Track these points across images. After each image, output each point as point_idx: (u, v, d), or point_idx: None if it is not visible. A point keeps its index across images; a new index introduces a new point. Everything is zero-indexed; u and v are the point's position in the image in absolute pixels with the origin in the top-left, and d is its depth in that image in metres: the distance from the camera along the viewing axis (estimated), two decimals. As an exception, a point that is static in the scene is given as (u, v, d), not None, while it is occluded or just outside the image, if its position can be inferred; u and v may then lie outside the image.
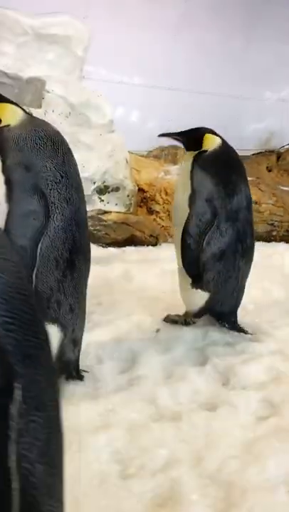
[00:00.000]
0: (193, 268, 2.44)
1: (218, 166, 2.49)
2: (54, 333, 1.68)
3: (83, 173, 4.80)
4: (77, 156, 4.67)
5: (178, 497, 1.41)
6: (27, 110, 1.98)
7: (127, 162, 5.17)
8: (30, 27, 4.86)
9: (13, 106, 1.87)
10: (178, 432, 1.71)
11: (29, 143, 1.72)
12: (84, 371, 1.98)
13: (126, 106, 6.58)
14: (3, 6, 4.73)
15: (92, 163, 4.84)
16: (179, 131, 2.68)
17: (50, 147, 1.75)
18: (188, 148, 2.59)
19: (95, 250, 4.47)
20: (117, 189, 5.11)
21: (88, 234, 1.88)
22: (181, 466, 1.53)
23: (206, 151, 2.49)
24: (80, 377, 1.94)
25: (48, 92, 4.72)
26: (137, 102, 6.73)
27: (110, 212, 4.93)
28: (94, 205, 5.03)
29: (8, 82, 4.87)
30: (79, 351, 1.91)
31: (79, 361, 1.94)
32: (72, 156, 1.86)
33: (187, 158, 2.55)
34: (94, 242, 4.71)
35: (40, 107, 4.65)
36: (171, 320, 2.61)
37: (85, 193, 4.79)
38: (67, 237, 1.69)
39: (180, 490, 1.43)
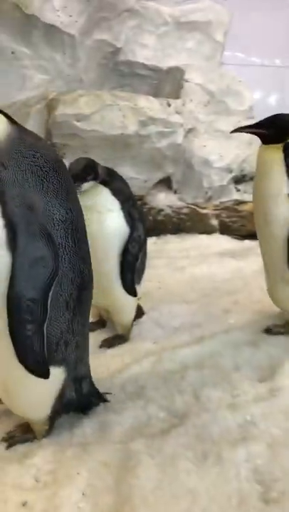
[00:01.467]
0: None
1: None
2: (58, 375, 1.54)
3: (219, 163, 4.73)
4: (215, 144, 4.59)
5: None
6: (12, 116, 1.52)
7: (266, 150, 4.89)
8: (171, 16, 4.82)
9: None
10: None
11: (30, 176, 1.40)
12: (107, 393, 1.83)
13: (266, 90, 6.24)
14: (145, -2, 4.76)
15: (230, 152, 4.67)
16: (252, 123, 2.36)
17: (53, 178, 1.45)
18: (270, 140, 2.20)
19: (230, 243, 4.35)
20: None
21: (90, 264, 1.65)
22: None
23: None
24: (103, 400, 1.81)
25: (187, 81, 4.64)
26: (278, 86, 6.34)
27: (246, 202, 4.71)
28: (230, 195, 4.87)
29: (147, 74, 4.92)
30: (88, 384, 1.74)
31: (94, 392, 1.78)
32: (71, 180, 1.60)
33: (271, 153, 2.19)
34: (229, 234, 4.58)
35: (178, 97, 4.60)
36: (275, 332, 2.34)
37: (221, 183, 4.72)
38: (75, 276, 1.51)
39: None
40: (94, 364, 2.11)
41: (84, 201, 2.20)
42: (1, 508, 1.34)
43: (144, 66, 4.82)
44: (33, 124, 4.01)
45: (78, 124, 3.90)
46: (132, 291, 2.31)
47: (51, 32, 4.13)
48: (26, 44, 4.13)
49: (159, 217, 4.46)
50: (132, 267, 2.27)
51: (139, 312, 2.55)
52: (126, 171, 4.37)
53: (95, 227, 2.19)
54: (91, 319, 2.53)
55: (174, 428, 1.66)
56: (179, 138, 4.34)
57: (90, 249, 2.19)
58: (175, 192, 4.69)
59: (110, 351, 2.28)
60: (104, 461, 1.49)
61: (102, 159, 4.22)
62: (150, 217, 4.44)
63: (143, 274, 2.46)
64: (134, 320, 2.47)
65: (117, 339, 2.37)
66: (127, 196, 2.32)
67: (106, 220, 2.21)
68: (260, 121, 2.25)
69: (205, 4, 4.95)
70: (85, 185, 2.17)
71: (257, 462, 1.49)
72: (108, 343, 2.34)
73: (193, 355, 2.14)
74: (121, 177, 2.37)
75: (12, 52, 4.11)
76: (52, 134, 3.99)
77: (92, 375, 1.76)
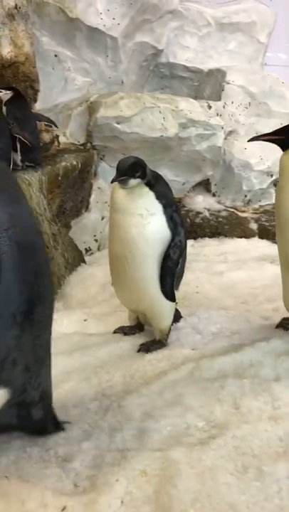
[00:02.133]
0: None
1: None
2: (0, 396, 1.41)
3: (260, 166, 4.65)
4: (255, 147, 4.51)
5: None
6: None
7: (309, 153, 4.78)
8: (213, 18, 4.78)
9: None
10: None
11: None
12: (66, 422, 1.71)
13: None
14: (187, 0, 4.73)
15: (270, 155, 4.58)
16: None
17: None
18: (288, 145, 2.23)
19: (269, 247, 4.25)
20: (296, 182, 4.76)
21: (50, 279, 1.53)
22: None
23: None
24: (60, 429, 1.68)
25: (228, 83, 4.58)
26: None
27: (287, 207, 4.62)
28: (270, 199, 4.78)
29: (187, 76, 4.89)
30: (42, 411, 1.60)
31: (49, 416, 1.65)
32: (16, 184, 1.51)
33: None
34: (268, 239, 4.50)
35: (219, 99, 4.55)
36: None
37: (261, 186, 4.64)
38: (25, 288, 1.39)
39: None
40: (131, 369, 2.12)
41: (127, 203, 2.21)
42: (41, 511, 1.35)
43: (185, 68, 4.79)
44: (75, 126, 4.05)
45: (119, 126, 3.91)
46: (171, 297, 2.29)
47: (94, 35, 4.16)
48: (69, 47, 4.17)
49: (197, 220, 4.42)
50: (172, 272, 2.25)
51: (177, 316, 2.54)
52: (165, 173, 4.32)
53: (136, 231, 2.19)
54: (129, 323, 2.54)
55: (213, 439, 1.63)
56: (219, 140, 4.30)
57: (128, 252, 2.16)
58: (214, 195, 4.65)
59: (148, 356, 2.27)
60: (143, 469, 1.48)
61: (142, 162, 4.26)
62: (188, 220, 4.41)
63: (181, 279, 2.44)
64: (172, 324, 2.46)
65: (155, 344, 2.36)
66: (170, 201, 2.30)
67: (148, 224, 2.19)
68: (276, 130, 2.31)
69: (249, 5, 4.88)
70: (132, 182, 2.17)
71: (300, 479, 1.45)
72: (146, 348, 2.33)
73: (233, 364, 2.11)
74: (166, 182, 2.36)
75: (55, 55, 4.16)
76: (92, 136, 4.02)
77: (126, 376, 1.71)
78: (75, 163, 3.69)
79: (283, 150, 2.26)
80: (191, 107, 4.22)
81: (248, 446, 1.59)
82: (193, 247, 4.13)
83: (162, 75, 4.81)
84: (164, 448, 1.58)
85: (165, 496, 1.38)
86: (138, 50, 4.49)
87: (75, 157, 3.73)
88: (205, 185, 4.63)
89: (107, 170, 4.03)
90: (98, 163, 4.08)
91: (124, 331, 2.53)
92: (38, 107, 3.82)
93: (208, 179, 4.58)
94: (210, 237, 4.30)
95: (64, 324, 2.69)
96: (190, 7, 4.73)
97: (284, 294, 2.40)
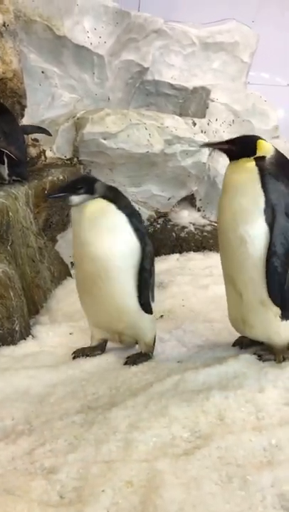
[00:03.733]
0: (283, 295, 2.06)
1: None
2: None
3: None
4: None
5: None
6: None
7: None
8: (197, 37, 4.90)
9: None
10: None
11: None
12: None
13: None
14: (172, 20, 4.84)
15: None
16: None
17: None
18: (238, 155, 2.14)
19: None
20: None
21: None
22: None
23: (265, 157, 2.09)
24: None
25: (213, 100, 4.69)
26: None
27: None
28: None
29: (173, 94, 4.98)
30: None
31: None
32: None
33: (243, 168, 2.10)
34: None
35: (204, 116, 4.64)
36: (265, 359, 2.25)
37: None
38: None
39: None
40: (117, 382, 2.13)
41: (91, 219, 2.13)
42: (26, 523, 1.35)
43: (171, 86, 4.89)
44: (61, 141, 4.09)
45: (105, 142, 3.97)
46: (149, 309, 2.28)
47: (81, 52, 4.23)
48: (56, 64, 4.23)
49: (183, 234, 4.48)
50: (148, 284, 2.25)
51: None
52: (150, 188, 4.42)
53: (106, 245, 2.12)
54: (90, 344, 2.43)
55: (198, 449, 1.65)
56: (204, 157, 4.38)
57: (101, 268, 2.10)
58: (198, 209, 4.71)
59: (133, 369, 2.28)
60: (129, 479, 1.49)
61: (128, 177, 4.32)
62: (174, 234, 4.46)
63: (154, 290, 2.39)
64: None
65: (141, 357, 2.37)
66: (133, 212, 2.25)
67: (117, 236, 2.14)
68: (229, 140, 2.23)
69: (231, 26, 5.02)
70: (74, 199, 2.13)
71: (283, 488, 1.47)
72: (132, 361, 2.34)
73: (218, 376, 2.13)
74: (124, 195, 2.31)
75: (42, 72, 4.21)
76: (79, 151, 4.07)
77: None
78: (61, 177, 3.71)
79: (230, 160, 2.18)
80: (176, 124, 4.29)
81: (233, 456, 1.61)
82: (179, 261, 4.17)
83: (148, 92, 4.90)
84: (150, 459, 1.60)
85: (151, 506, 1.39)
86: (124, 68, 4.58)
87: (61, 171, 3.76)
88: (190, 200, 4.69)
89: (93, 185, 4.07)
90: (84, 178, 4.13)
91: (85, 352, 2.41)
92: (25, 122, 3.85)
93: (193, 194, 4.64)
94: (195, 251, 4.35)
95: (49, 337, 2.70)
96: (175, 27, 4.84)
97: (228, 308, 2.34)
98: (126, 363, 2.33)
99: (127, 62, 4.57)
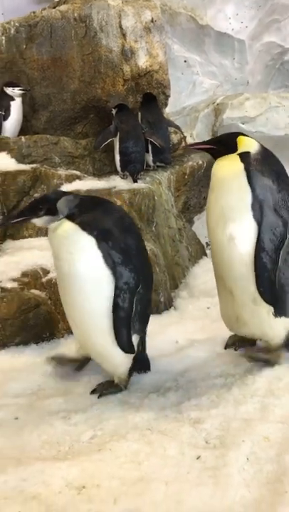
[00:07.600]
0: (273, 292, 2.00)
1: (276, 168, 2.04)
2: None
3: None
4: None
5: None
6: None
7: None
8: None
9: None
10: None
11: None
12: None
13: None
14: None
15: None
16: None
17: None
18: (219, 154, 2.11)
19: None
20: None
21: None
22: None
23: (250, 153, 2.03)
24: None
25: None
26: None
27: None
28: None
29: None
30: None
31: None
32: None
33: (228, 165, 2.06)
34: None
35: None
36: (254, 359, 2.18)
37: None
38: None
39: None
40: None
41: (57, 241, 1.92)
42: (179, 458, 1.63)
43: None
44: (201, 127, 4.31)
45: (244, 126, 4.09)
46: (129, 349, 1.96)
47: (222, 39, 4.37)
48: (198, 52, 4.43)
49: None
50: (125, 322, 1.92)
51: (145, 365, 2.18)
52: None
53: (66, 269, 1.90)
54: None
55: None
56: None
57: (65, 292, 1.94)
58: None
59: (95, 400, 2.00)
60: (266, 435, 1.69)
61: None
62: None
63: (147, 324, 2.09)
64: (138, 372, 2.15)
65: (112, 387, 2.05)
66: (105, 233, 1.90)
67: (77, 260, 1.87)
68: (208, 140, 2.27)
69: None
70: (38, 222, 1.96)
71: None
72: (100, 390, 2.04)
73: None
74: (98, 210, 1.98)
75: (184, 61, 4.44)
76: (217, 137, 4.24)
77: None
78: (200, 162, 3.93)
79: (215, 158, 2.15)
80: (317, 104, 4.23)
81: None
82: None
83: (288, 73, 4.86)
84: (285, 421, 1.77)
85: (286, 459, 1.58)
86: (264, 50, 4.61)
87: (201, 157, 3.98)
88: None
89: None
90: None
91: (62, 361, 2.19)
92: (167, 110, 4.13)
93: None
94: None
95: (189, 310, 2.97)
96: None
97: (220, 307, 2.28)
98: (92, 392, 2.05)
99: (268, 44, 4.59)
